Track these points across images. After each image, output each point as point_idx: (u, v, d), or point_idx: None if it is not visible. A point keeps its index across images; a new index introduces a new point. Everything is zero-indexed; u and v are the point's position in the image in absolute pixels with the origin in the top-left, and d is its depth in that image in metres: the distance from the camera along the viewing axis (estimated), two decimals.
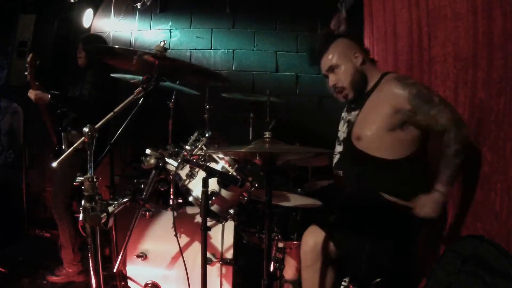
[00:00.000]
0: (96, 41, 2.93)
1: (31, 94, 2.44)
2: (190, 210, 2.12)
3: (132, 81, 2.54)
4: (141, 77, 1.70)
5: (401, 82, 1.70)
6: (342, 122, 1.98)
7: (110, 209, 1.43)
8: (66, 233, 2.63)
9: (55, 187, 2.69)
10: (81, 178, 1.33)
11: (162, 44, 1.67)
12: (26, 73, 2.37)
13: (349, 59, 1.78)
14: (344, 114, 2.00)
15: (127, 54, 1.92)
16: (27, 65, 2.37)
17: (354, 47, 1.80)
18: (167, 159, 1.80)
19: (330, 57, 1.79)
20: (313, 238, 1.66)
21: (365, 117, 1.78)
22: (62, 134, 2.66)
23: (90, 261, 1.44)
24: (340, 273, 1.71)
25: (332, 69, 1.80)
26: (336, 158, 1.95)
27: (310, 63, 1.74)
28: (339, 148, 1.94)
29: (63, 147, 2.68)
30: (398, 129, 1.69)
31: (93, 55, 2.64)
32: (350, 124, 1.85)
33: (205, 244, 1.45)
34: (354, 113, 1.86)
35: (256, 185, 1.83)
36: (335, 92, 1.83)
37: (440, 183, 1.59)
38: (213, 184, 1.64)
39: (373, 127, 1.72)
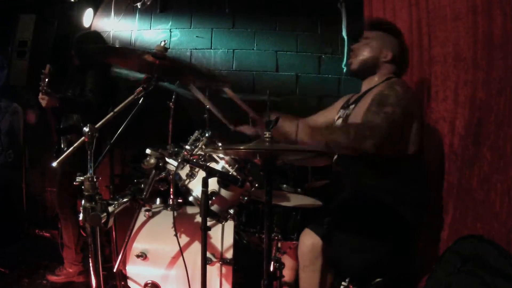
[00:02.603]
0: (91, 39, 2.87)
1: (43, 100, 2.42)
2: (190, 210, 2.11)
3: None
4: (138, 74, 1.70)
5: (390, 85, 1.73)
6: (340, 120, 1.99)
7: (110, 209, 1.43)
8: (70, 233, 2.64)
9: (58, 187, 2.68)
10: (81, 178, 1.33)
11: (162, 44, 1.67)
12: (41, 83, 2.36)
13: (380, 49, 1.87)
14: (340, 112, 2.01)
15: (124, 53, 1.91)
16: (42, 76, 2.36)
17: (392, 48, 1.87)
18: (167, 159, 1.79)
19: (374, 35, 1.91)
20: (310, 239, 1.66)
21: (358, 111, 1.80)
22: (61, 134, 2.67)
23: (90, 261, 1.44)
24: (341, 273, 1.71)
25: (366, 39, 1.92)
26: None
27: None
28: None
29: (62, 146, 2.68)
30: None
31: (89, 55, 2.63)
32: (346, 118, 1.87)
33: (205, 244, 1.45)
34: (351, 107, 1.88)
35: (256, 185, 1.83)
36: (351, 54, 1.96)
37: (308, 125, 1.64)
38: (213, 184, 1.64)
39: (358, 118, 1.73)
